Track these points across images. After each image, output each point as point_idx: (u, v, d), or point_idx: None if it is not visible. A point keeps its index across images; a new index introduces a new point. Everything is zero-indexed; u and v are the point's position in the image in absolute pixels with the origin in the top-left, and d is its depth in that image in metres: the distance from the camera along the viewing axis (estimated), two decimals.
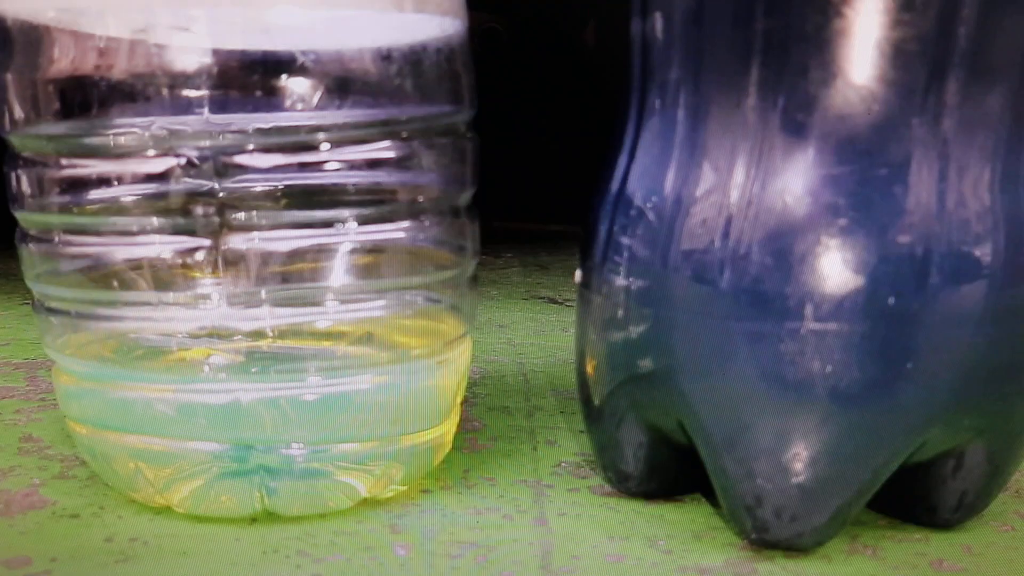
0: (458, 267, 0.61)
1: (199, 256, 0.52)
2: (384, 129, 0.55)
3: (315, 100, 0.51)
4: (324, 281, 0.54)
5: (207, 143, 0.51)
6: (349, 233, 0.54)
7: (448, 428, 0.63)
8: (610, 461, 0.62)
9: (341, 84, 0.52)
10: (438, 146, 0.58)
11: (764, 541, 0.54)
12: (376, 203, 0.55)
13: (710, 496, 0.62)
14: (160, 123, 0.50)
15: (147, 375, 0.55)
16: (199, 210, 0.52)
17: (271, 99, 0.51)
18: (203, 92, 0.50)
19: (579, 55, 2.13)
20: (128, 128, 0.51)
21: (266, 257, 0.53)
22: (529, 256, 1.80)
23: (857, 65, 0.48)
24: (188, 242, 0.52)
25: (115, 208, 0.53)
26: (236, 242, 0.52)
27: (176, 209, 0.52)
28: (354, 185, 0.54)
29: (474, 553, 0.54)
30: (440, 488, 0.64)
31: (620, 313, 0.55)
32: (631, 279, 0.54)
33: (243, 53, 0.50)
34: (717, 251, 0.50)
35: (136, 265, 0.53)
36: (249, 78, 0.50)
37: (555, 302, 1.32)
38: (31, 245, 0.57)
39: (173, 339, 0.54)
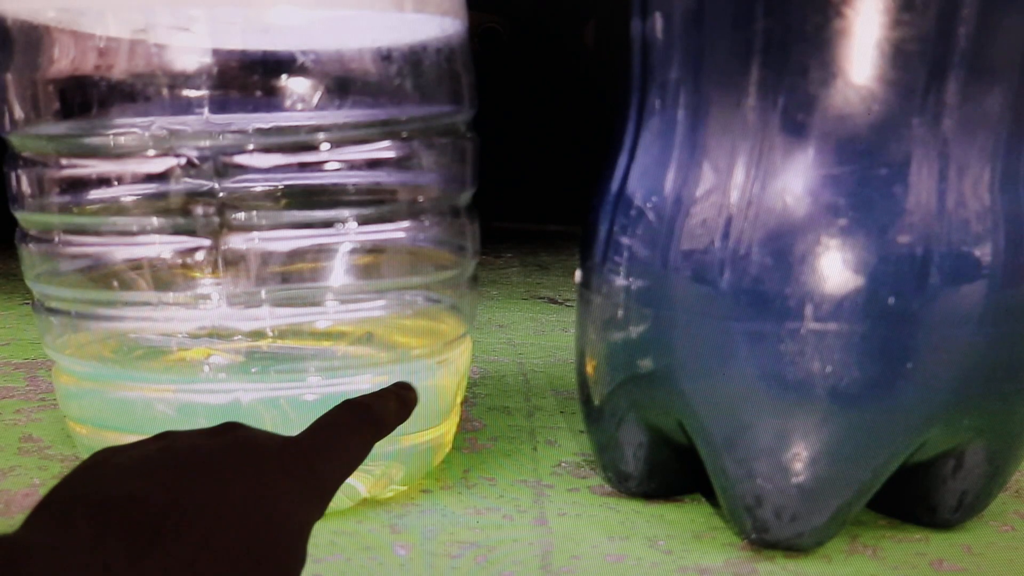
0: (458, 267, 0.61)
1: (199, 256, 0.52)
2: (384, 129, 0.55)
3: (315, 100, 0.51)
4: (324, 281, 0.54)
5: (207, 143, 0.51)
6: (349, 233, 0.54)
7: (448, 428, 0.63)
8: (610, 461, 0.62)
9: (341, 84, 0.52)
10: (438, 146, 0.58)
11: (764, 541, 0.54)
12: (376, 203, 0.55)
13: (710, 496, 0.62)
14: (160, 123, 0.50)
15: (147, 375, 0.55)
16: (199, 210, 0.52)
17: (271, 99, 0.51)
18: (203, 92, 0.50)
19: (579, 55, 2.13)
20: (128, 128, 0.51)
21: (266, 257, 0.53)
22: (529, 256, 1.80)
23: (857, 65, 0.48)
24: (188, 242, 0.52)
25: (115, 208, 0.53)
26: (236, 242, 0.52)
27: (176, 209, 0.52)
28: (354, 185, 0.54)
29: (474, 553, 0.54)
30: (440, 488, 0.64)
31: (620, 313, 0.55)
32: (631, 279, 0.54)
33: (243, 53, 0.50)
34: (717, 251, 0.50)
35: (136, 265, 0.53)
36: (249, 78, 0.50)
37: (555, 302, 1.32)
38: (31, 245, 0.57)
39: (173, 339, 0.54)
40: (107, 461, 0.23)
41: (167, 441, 0.24)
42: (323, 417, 0.27)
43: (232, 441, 0.25)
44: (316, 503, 0.25)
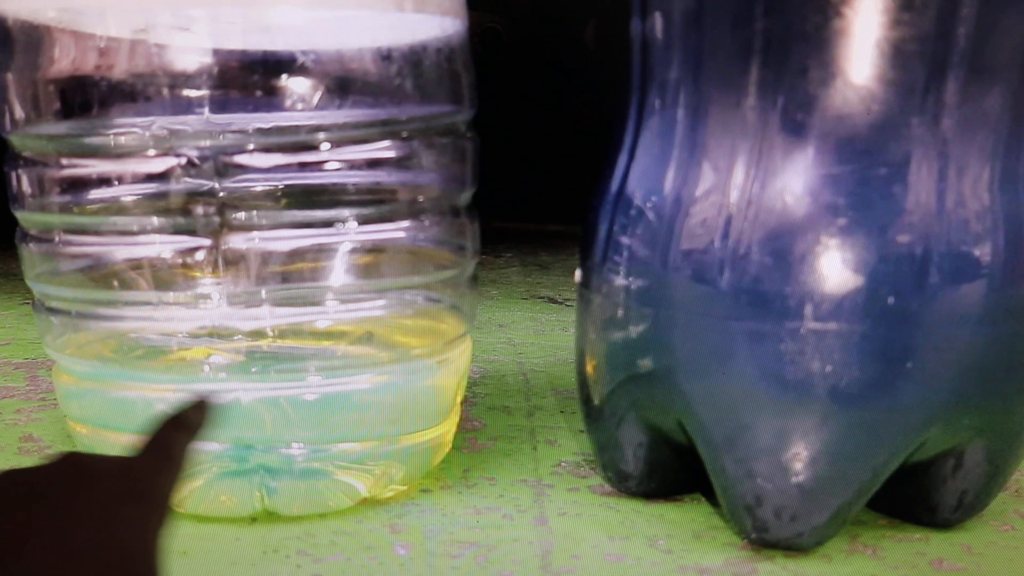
0: (458, 267, 0.61)
1: (199, 256, 0.52)
2: (384, 129, 0.55)
3: (315, 100, 0.51)
4: (324, 281, 0.54)
5: (207, 143, 0.51)
6: (349, 233, 0.54)
7: (448, 428, 0.63)
8: (610, 461, 0.62)
9: (341, 84, 0.52)
10: (438, 146, 0.58)
11: (764, 541, 0.54)
12: (376, 203, 0.55)
13: (710, 496, 0.62)
14: (160, 123, 0.50)
15: (147, 375, 0.55)
16: (199, 210, 0.52)
17: (271, 99, 0.51)
18: (203, 92, 0.50)
19: (579, 55, 2.13)
20: (128, 128, 0.51)
21: (266, 257, 0.53)
22: (529, 256, 1.80)
23: (857, 65, 0.48)
24: (188, 242, 0.52)
25: (115, 208, 0.53)
26: (236, 242, 0.52)
27: (176, 209, 0.52)
28: (354, 185, 0.54)
29: (474, 553, 0.54)
30: (440, 488, 0.64)
31: (620, 313, 0.55)
32: (631, 279, 0.55)
33: (243, 53, 0.50)
34: (717, 251, 0.50)
35: (136, 265, 0.53)
36: (249, 78, 0.50)
37: (555, 302, 1.32)
38: (31, 245, 0.57)
39: (173, 339, 0.54)
40: None
41: (5, 481, 0.24)
42: (148, 434, 0.28)
43: (69, 471, 0.25)
44: (157, 514, 0.26)
